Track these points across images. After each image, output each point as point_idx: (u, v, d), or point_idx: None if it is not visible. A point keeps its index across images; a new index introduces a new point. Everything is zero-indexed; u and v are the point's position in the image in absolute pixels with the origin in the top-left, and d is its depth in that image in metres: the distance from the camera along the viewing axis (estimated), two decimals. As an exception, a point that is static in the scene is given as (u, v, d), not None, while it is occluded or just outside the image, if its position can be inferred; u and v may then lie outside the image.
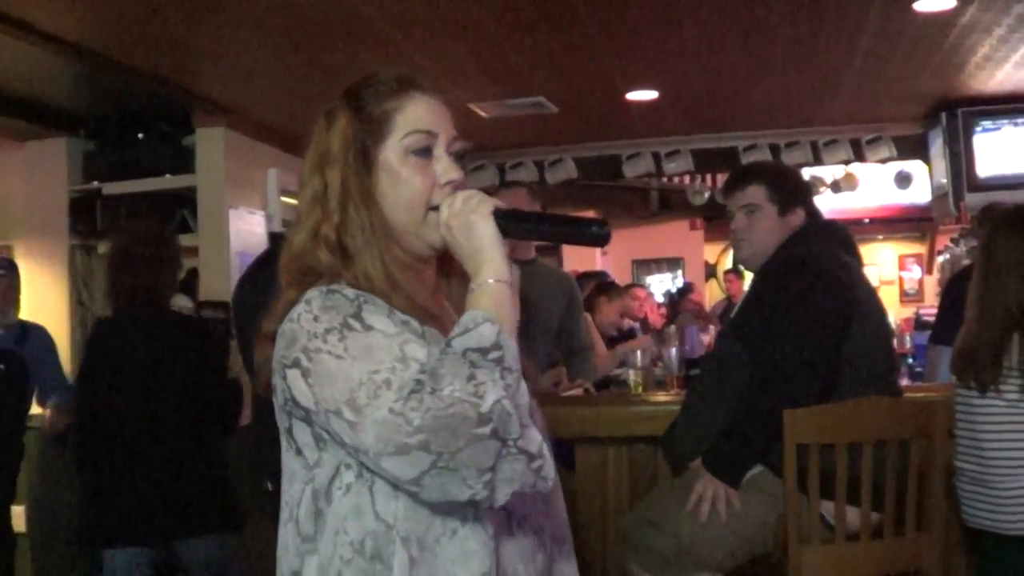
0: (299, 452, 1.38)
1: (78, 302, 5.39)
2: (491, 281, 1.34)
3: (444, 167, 1.45)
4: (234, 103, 5.18)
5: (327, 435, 1.33)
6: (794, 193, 2.91)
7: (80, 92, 4.98)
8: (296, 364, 1.31)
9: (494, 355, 1.25)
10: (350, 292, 1.35)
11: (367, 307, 1.33)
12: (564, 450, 3.57)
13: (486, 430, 1.20)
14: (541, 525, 1.44)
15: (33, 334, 4.80)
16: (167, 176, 5.25)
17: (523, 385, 1.28)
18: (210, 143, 5.23)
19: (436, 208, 1.42)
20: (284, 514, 1.41)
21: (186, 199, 5.29)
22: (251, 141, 5.47)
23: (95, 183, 5.32)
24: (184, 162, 5.27)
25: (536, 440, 1.27)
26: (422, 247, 1.44)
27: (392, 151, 1.43)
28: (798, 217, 2.88)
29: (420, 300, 1.40)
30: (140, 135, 5.30)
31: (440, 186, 1.43)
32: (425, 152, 1.44)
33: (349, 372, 1.26)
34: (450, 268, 1.49)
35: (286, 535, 1.40)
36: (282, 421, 1.40)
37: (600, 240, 1.42)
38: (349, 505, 1.33)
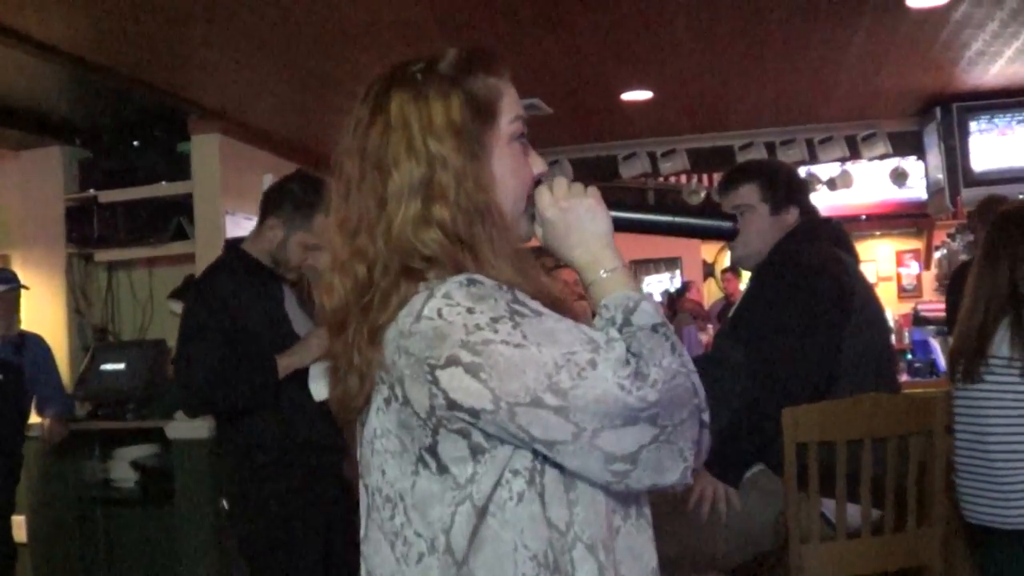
0: (443, 470, 1.20)
1: (76, 311, 5.39)
2: (615, 268, 1.31)
3: (534, 157, 1.37)
4: (228, 109, 5.17)
5: (487, 442, 1.19)
6: (787, 192, 2.90)
7: (74, 101, 4.98)
8: (455, 362, 1.14)
9: (666, 330, 1.22)
10: (489, 280, 1.20)
11: (519, 293, 1.20)
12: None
13: (698, 401, 1.19)
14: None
15: (31, 344, 4.80)
16: (163, 183, 5.25)
17: None
18: (205, 150, 5.22)
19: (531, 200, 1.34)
20: (420, 547, 1.22)
21: (182, 206, 5.28)
22: (246, 147, 5.46)
23: (91, 191, 5.31)
24: (179, 169, 5.26)
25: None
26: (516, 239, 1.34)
27: (500, 135, 1.32)
28: (792, 215, 2.87)
29: (551, 289, 1.28)
30: (135, 143, 5.30)
31: (534, 177, 1.36)
32: (522, 139, 1.35)
33: (538, 358, 1.13)
34: None
35: (429, 569, 1.21)
36: (418, 438, 1.21)
37: (730, 234, 1.43)
38: (525, 515, 1.20)
